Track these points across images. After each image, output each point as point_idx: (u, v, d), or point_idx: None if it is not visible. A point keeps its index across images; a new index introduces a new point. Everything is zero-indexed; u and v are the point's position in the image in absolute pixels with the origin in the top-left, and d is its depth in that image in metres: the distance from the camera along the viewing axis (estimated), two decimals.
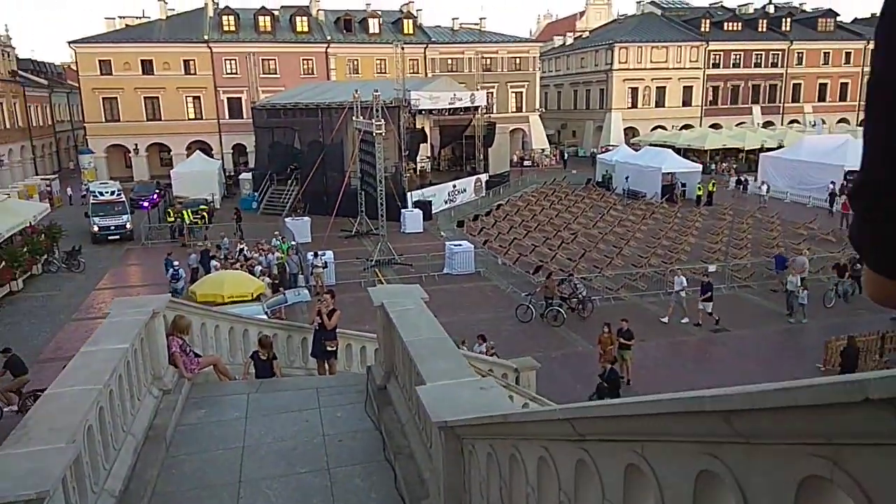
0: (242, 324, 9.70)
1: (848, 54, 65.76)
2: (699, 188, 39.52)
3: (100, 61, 49.06)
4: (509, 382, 11.49)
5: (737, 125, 60.84)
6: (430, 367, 5.10)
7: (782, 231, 31.10)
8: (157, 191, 40.00)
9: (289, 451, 6.29)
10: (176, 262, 22.25)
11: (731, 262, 25.80)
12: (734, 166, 49.87)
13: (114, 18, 53.71)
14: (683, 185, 40.50)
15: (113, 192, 33.84)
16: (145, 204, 35.01)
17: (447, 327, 17.73)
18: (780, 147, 47.59)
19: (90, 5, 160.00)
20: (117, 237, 32.38)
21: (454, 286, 24.35)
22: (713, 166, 48.58)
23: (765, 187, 39.12)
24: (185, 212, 33.54)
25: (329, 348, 10.41)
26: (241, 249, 25.06)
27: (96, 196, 33.64)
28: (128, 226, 32.74)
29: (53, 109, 62.73)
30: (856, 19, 71.18)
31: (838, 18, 67.73)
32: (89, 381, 5.18)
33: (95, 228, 32.37)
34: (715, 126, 60.60)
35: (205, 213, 33.91)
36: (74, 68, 53.77)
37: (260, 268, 21.45)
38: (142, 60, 49.78)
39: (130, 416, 6.16)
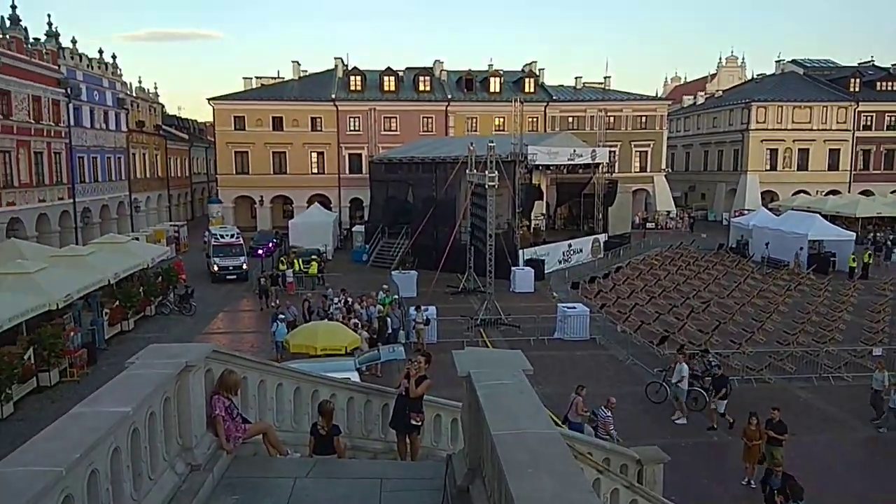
0: (311, 383, 8.17)
1: None
2: (852, 259, 34.83)
3: (234, 117, 51.97)
4: (631, 481, 9.14)
5: (892, 192, 54.48)
6: (526, 486, 3.23)
7: None
8: (274, 240, 40.86)
9: None
10: (282, 316, 21.40)
11: None
12: (891, 237, 44.10)
13: (251, 78, 57.15)
14: (833, 255, 35.91)
15: (232, 235, 35.72)
16: (260, 252, 35.64)
17: (555, 400, 15.49)
18: None
19: (236, 68, 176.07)
20: (234, 277, 34.01)
21: (565, 353, 22.00)
22: (871, 236, 43.06)
23: None
24: (296, 261, 33.69)
25: (413, 422, 8.66)
26: (345, 301, 24.18)
27: (217, 238, 35.48)
28: (244, 266, 34.30)
29: (191, 162, 67.43)
30: None
31: None
32: (52, 460, 3.74)
33: (215, 268, 34.15)
34: (866, 193, 54.59)
35: (315, 263, 33.82)
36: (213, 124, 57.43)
37: (356, 320, 20.24)
38: (273, 117, 52.19)
39: (132, 502, 4.68)
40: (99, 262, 23.37)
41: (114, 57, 46.62)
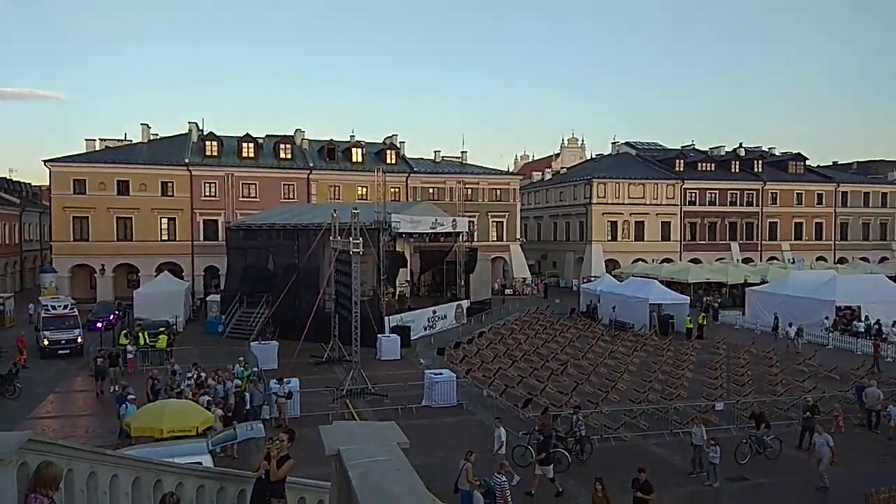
0: (153, 472, 7.20)
1: (820, 195, 67.67)
2: (689, 321, 37.98)
3: (74, 180, 47.98)
4: None
5: (716, 260, 60.86)
6: None
7: (781, 367, 29.28)
8: (117, 311, 37.46)
9: None
10: (131, 396, 19.18)
11: (739, 399, 23.54)
12: (718, 300, 48.87)
13: (94, 140, 53.42)
14: (672, 317, 38.98)
15: (65, 306, 32.88)
16: (99, 325, 32.42)
17: (424, 473, 15.07)
18: (763, 282, 46.98)
19: (80, 130, 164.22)
20: (67, 351, 31.16)
21: (434, 420, 21.67)
22: (704, 299, 47.65)
23: (793, 329, 35.16)
24: (141, 334, 30.95)
25: None
26: (198, 376, 22.34)
27: (48, 310, 32.40)
28: (79, 339, 31.59)
29: (23, 228, 61.06)
30: (819, 166, 74.05)
31: (807, 162, 70.30)
32: None
33: (45, 342, 31.19)
34: (694, 261, 60.59)
35: (164, 336, 31.21)
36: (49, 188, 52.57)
37: (206, 396, 18.66)
38: (118, 181, 48.82)
39: None
40: None
41: None
